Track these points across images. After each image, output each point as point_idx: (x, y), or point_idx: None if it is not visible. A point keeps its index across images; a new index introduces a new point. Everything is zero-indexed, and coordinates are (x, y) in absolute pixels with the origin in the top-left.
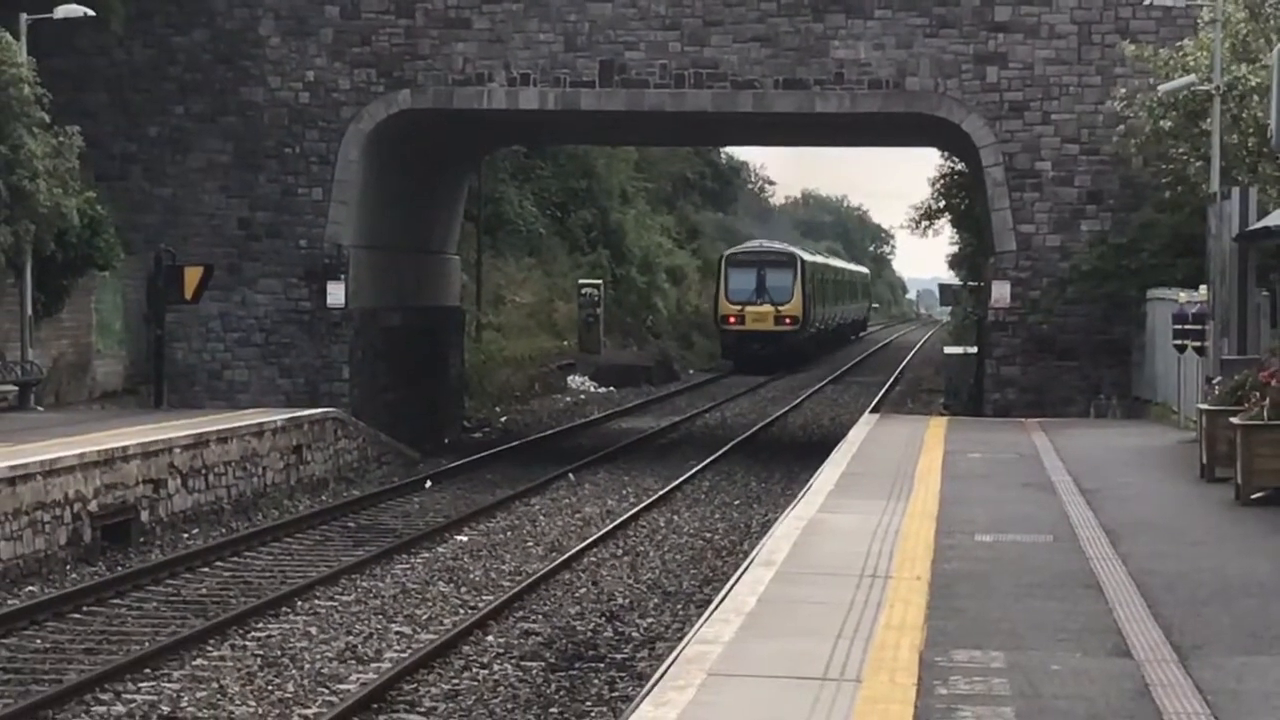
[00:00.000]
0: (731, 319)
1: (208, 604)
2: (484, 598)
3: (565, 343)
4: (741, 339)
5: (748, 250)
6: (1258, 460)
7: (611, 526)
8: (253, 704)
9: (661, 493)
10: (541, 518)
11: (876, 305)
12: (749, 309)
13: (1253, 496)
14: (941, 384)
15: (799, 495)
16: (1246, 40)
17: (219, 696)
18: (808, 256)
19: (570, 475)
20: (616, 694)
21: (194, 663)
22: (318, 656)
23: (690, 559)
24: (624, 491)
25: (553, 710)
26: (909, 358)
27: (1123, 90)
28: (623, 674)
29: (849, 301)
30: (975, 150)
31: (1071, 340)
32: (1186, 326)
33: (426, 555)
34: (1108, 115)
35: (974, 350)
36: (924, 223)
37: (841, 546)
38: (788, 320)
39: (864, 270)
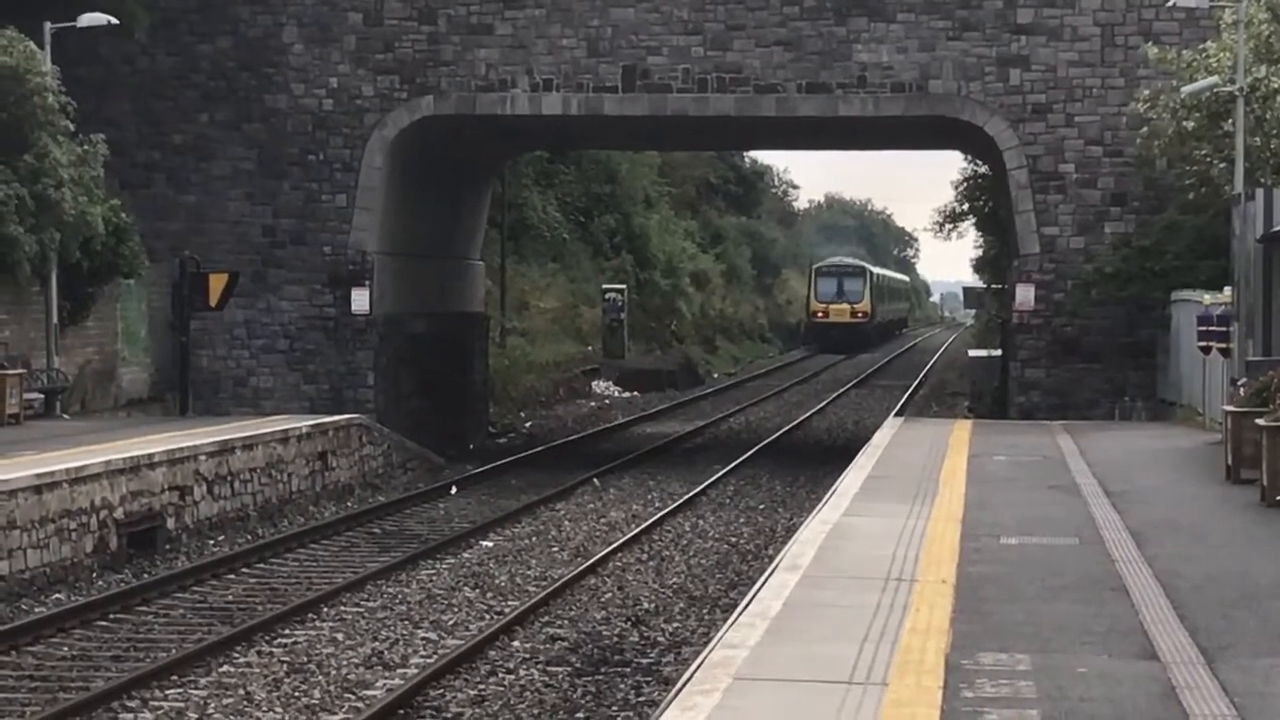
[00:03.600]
0: (819, 313)
1: (234, 611)
2: (510, 603)
3: (589, 348)
4: (826, 328)
5: (831, 264)
6: None
7: (637, 531)
8: (279, 710)
9: (686, 497)
10: (566, 523)
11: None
12: (832, 307)
13: (1278, 498)
14: (966, 387)
15: (824, 499)
16: (1269, 41)
17: (246, 703)
18: (874, 269)
19: (595, 480)
20: (642, 699)
21: (221, 669)
22: (344, 663)
23: (715, 563)
24: (649, 496)
25: (579, 715)
26: (933, 361)
27: (1146, 92)
28: (648, 678)
29: (899, 302)
30: (998, 153)
31: (1096, 342)
32: (1211, 328)
33: (452, 561)
34: (1131, 117)
35: (998, 353)
36: (947, 226)
37: (867, 550)
38: (860, 314)
39: (907, 279)
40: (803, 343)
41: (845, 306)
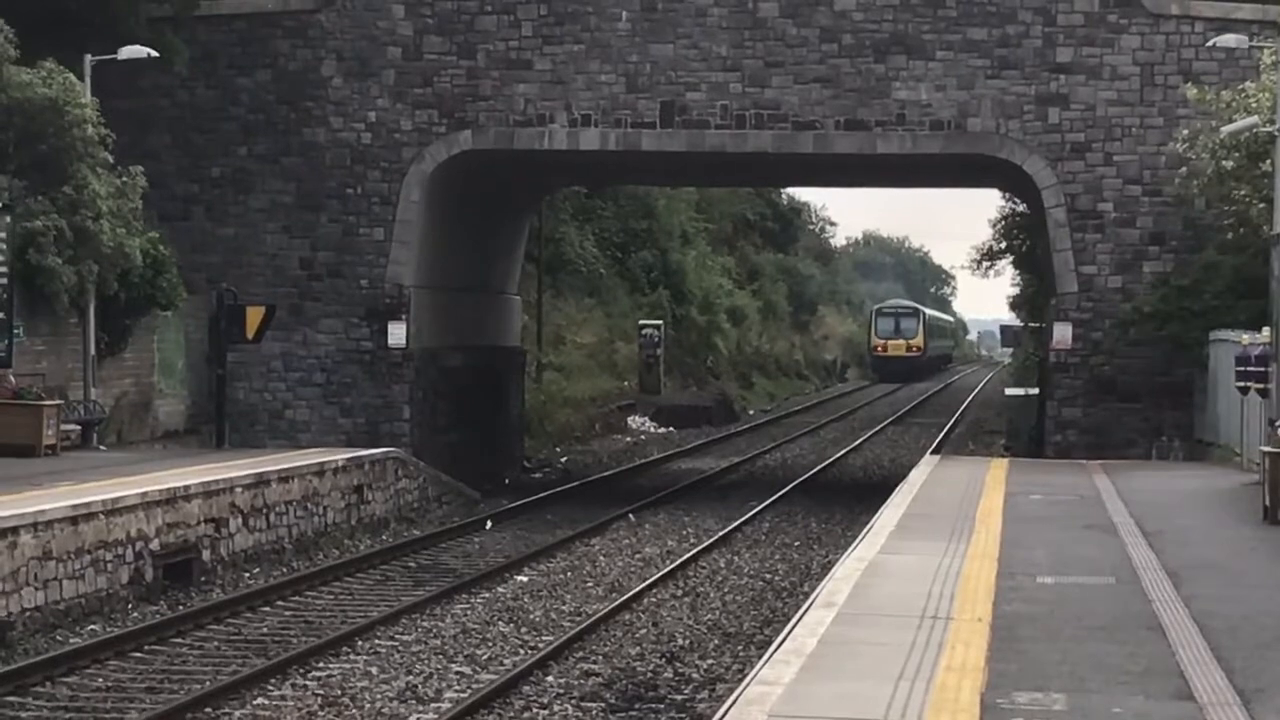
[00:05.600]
0: (879, 348)
1: (268, 643)
2: (544, 638)
3: (625, 383)
4: (885, 361)
5: (889, 305)
6: None
7: (672, 567)
8: None
9: (721, 533)
10: (601, 558)
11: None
12: (890, 342)
13: None
14: (1002, 425)
15: (859, 536)
16: None
17: None
18: (927, 310)
19: (630, 516)
20: None
21: (255, 702)
22: (378, 696)
23: (750, 600)
24: (684, 532)
25: None
26: (969, 399)
27: (1185, 132)
28: (683, 715)
29: (946, 339)
30: (1037, 191)
31: (1133, 382)
32: (1249, 368)
33: (487, 595)
34: (1170, 157)
35: (1035, 392)
36: (985, 263)
37: (902, 588)
38: (914, 349)
39: (952, 319)
40: (838, 374)
41: (901, 342)
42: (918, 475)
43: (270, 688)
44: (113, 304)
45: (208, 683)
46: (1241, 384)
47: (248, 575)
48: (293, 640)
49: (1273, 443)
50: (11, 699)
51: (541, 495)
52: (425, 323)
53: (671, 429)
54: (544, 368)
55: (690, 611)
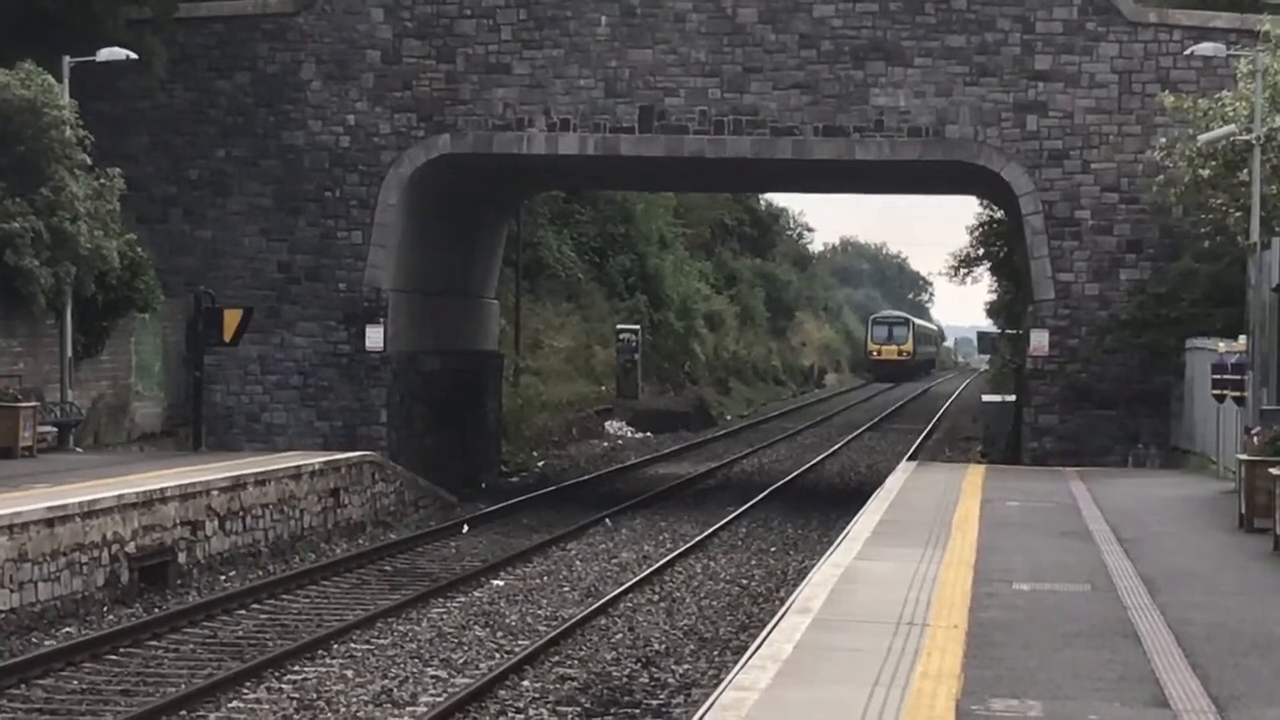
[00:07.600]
0: (874, 353)
1: (244, 646)
2: (520, 642)
3: (603, 388)
4: (879, 364)
5: (883, 315)
6: None
7: (648, 572)
8: None
9: (698, 538)
10: (578, 563)
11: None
12: (883, 348)
13: None
14: (979, 432)
15: (836, 542)
16: None
17: None
18: (915, 320)
19: (607, 520)
20: None
21: (230, 705)
22: (353, 700)
23: (727, 605)
24: (660, 537)
25: None
26: (946, 406)
27: (1162, 140)
28: None
29: (931, 345)
30: (1014, 198)
31: (1110, 389)
32: (1225, 376)
33: (463, 599)
34: (1147, 164)
35: (1012, 399)
36: (963, 270)
37: (878, 594)
38: (905, 354)
39: (936, 327)
40: (816, 380)
41: (894, 347)
42: (894, 481)
43: (245, 691)
44: (90, 306)
45: (183, 686)
46: (1217, 392)
47: (223, 578)
48: (268, 643)
49: (1248, 451)
50: None
51: (518, 500)
52: (403, 326)
53: (649, 434)
54: (521, 372)
55: (666, 616)
